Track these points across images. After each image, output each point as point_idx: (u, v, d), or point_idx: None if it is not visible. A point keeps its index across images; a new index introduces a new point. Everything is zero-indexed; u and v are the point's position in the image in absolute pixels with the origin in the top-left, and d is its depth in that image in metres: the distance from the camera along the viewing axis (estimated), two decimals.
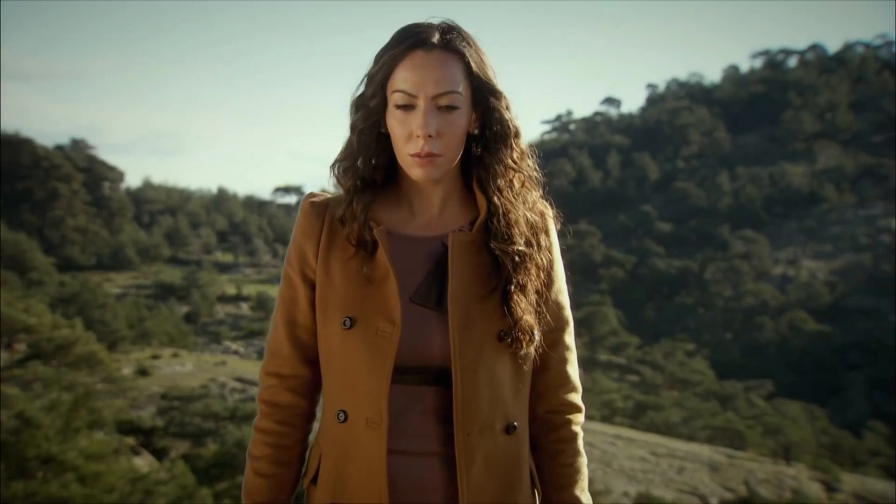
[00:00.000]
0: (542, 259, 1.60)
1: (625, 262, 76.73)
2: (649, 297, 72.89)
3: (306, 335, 1.62)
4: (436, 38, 1.50)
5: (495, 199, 1.57)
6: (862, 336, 63.70)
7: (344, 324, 1.53)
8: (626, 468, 29.94)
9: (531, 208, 1.61)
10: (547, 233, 1.63)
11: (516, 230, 1.56)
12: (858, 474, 33.71)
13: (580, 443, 1.68)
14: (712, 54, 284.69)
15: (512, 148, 1.59)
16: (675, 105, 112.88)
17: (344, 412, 1.54)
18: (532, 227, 1.60)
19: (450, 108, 1.49)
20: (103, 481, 13.48)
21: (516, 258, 1.55)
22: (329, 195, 1.64)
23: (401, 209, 1.61)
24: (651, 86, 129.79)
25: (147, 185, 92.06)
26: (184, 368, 34.27)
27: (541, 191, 1.66)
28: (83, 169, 71.34)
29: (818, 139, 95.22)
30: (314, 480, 1.61)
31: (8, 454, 13.09)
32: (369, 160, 1.58)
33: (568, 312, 1.68)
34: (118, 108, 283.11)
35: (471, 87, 1.53)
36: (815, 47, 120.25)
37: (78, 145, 79.78)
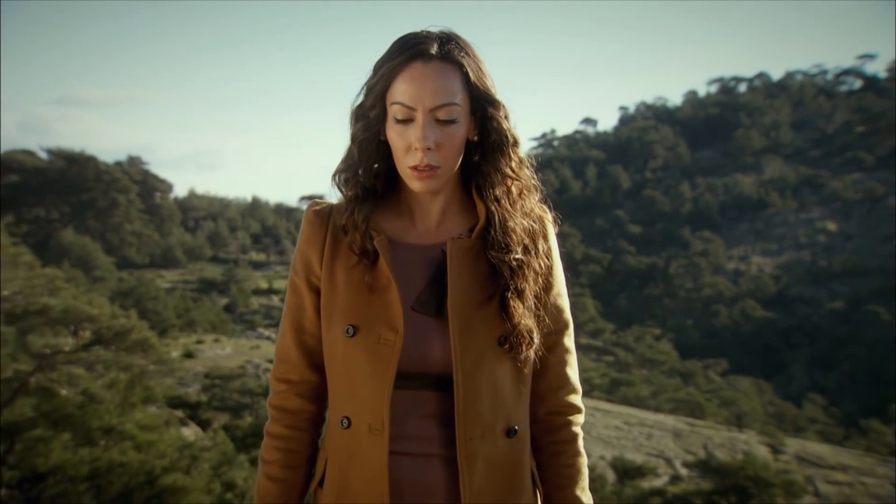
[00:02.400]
0: (540, 264, 1.38)
1: (601, 260, 76.52)
2: (622, 289, 72.69)
3: (313, 341, 1.41)
4: (434, 48, 1.28)
5: (492, 207, 1.35)
6: (802, 321, 63.64)
7: (347, 331, 1.33)
8: (602, 436, 29.82)
9: (529, 215, 1.39)
10: (546, 237, 1.41)
11: (513, 238, 1.35)
12: (800, 439, 33.52)
13: (580, 443, 1.48)
14: (674, 81, 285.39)
15: (510, 157, 1.37)
16: (643, 124, 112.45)
17: (347, 418, 1.34)
18: (530, 233, 1.38)
19: (448, 122, 1.28)
20: (156, 448, 13.34)
21: (514, 265, 1.34)
22: (332, 203, 1.42)
23: (401, 217, 1.40)
24: (623, 108, 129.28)
25: (192, 195, 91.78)
26: (224, 352, 34.08)
27: (539, 195, 1.44)
28: (138, 181, 71.22)
29: (764, 154, 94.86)
30: (321, 484, 1.41)
31: (75, 425, 13.02)
32: (370, 169, 1.36)
33: (567, 315, 1.45)
34: (167, 129, 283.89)
35: (469, 96, 1.31)
36: (761, 75, 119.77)
37: (133, 161, 79.50)
